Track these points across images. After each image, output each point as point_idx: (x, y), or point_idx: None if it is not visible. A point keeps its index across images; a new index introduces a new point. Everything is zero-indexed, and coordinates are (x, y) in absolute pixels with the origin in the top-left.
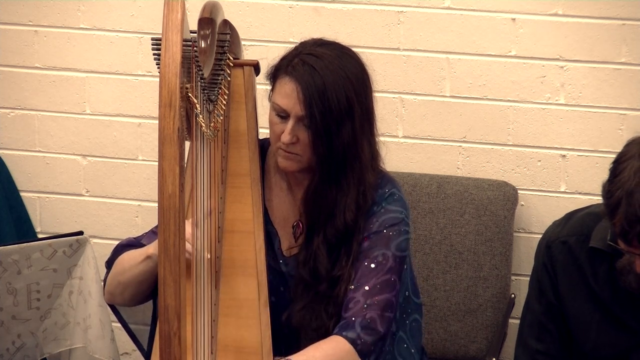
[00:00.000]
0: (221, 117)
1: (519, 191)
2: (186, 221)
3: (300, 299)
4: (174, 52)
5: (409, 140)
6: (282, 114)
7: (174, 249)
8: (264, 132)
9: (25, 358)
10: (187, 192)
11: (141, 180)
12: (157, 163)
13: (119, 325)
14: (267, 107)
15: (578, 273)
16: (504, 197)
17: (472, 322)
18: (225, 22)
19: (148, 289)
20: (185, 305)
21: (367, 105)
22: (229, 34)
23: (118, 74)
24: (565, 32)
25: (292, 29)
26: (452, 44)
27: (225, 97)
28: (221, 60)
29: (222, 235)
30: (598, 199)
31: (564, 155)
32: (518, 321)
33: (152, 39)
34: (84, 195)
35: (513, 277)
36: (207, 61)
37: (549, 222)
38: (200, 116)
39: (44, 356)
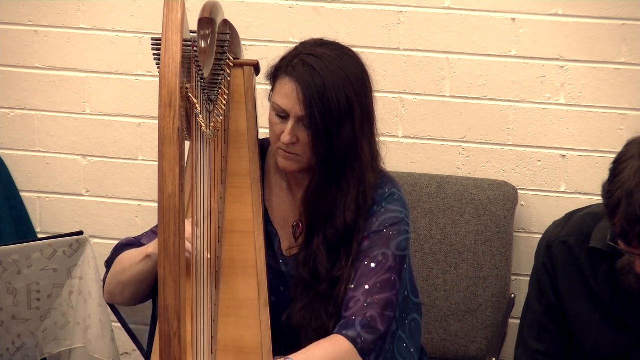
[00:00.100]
0: (221, 117)
1: (519, 191)
2: (186, 221)
3: (300, 299)
4: (174, 52)
5: (409, 140)
6: (282, 114)
7: (174, 249)
8: (264, 132)
9: (25, 358)
10: (187, 192)
11: (141, 180)
12: (157, 163)
13: (119, 325)
14: (267, 107)
15: (578, 273)
16: (504, 197)
17: (472, 322)
18: (225, 22)
19: (148, 289)
20: (185, 305)
21: (367, 106)
22: (229, 34)
23: (118, 74)
24: (565, 32)
25: (292, 29)
26: (452, 44)
27: (225, 97)
28: (221, 60)
29: (222, 235)
30: (598, 199)
31: (564, 155)
32: (518, 321)
33: (152, 39)
34: (84, 195)
35: (513, 277)
36: (207, 61)
37: (549, 222)
38: (200, 116)
39: (44, 356)
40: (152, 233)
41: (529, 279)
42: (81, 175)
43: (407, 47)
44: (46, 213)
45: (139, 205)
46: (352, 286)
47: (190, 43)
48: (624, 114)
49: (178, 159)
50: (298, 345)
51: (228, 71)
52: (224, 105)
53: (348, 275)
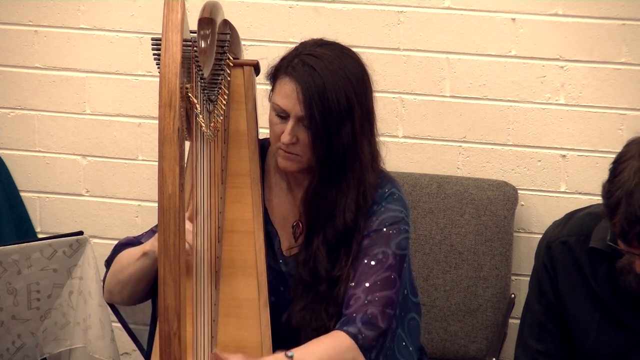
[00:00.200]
0: (221, 117)
1: (519, 191)
2: (186, 218)
3: (300, 299)
4: (174, 52)
5: (409, 140)
6: (282, 115)
7: (174, 249)
8: (264, 132)
9: (25, 358)
10: (187, 192)
11: (141, 180)
12: (157, 163)
13: (119, 325)
14: (267, 107)
15: (578, 273)
16: (504, 197)
17: (472, 322)
18: (225, 22)
19: (146, 287)
20: (185, 305)
21: (367, 106)
22: (229, 34)
23: (118, 74)
24: (565, 32)
25: (292, 29)
26: (452, 44)
27: (225, 97)
28: (221, 60)
29: (222, 235)
30: (598, 199)
31: (564, 155)
32: (518, 321)
33: (152, 39)
34: (84, 195)
35: (513, 277)
36: (207, 61)
37: (549, 222)
38: (200, 116)
39: (44, 356)
40: (152, 232)
41: (529, 279)
42: (81, 175)
43: (407, 47)
44: (46, 213)
45: (139, 205)
46: (353, 284)
47: (190, 43)
48: (624, 114)
49: (178, 159)
50: (298, 345)
51: (228, 71)
52: (224, 105)
53: (348, 276)
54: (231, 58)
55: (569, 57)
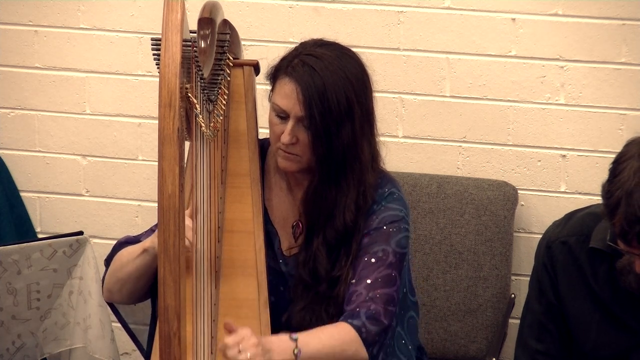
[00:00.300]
0: (221, 117)
1: (519, 191)
2: (185, 215)
3: (300, 299)
4: (173, 52)
5: (409, 140)
6: (281, 115)
7: (173, 249)
8: (264, 132)
9: (25, 358)
10: (187, 192)
11: (141, 180)
12: (157, 163)
13: (119, 325)
14: (267, 107)
15: (578, 273)
16: (504, 197)
17: (472, 322)
18: (225, 22)
19: (145, 285)
20: (185, 305)
21: (367, 106)
22: (228, 33)
23: (118, 74)
24: (565, 32)
25: (292, 29)
26: (452, 44)
27: (225, 97)
28: (221, 60)
29: (222, 235)
30: (598, 199)
31: (564, 155)
32: (518, 321)
33: (152, 39)
34: (84, 195)
35: (513, 277)
36: (207, 61)
37: (549, 222)
38: (200, 116)
39: (44, 356)
40: (151, 231)
41: (529, 279)
42: (81, 175)
43: (407, 47)
44: (46, 213)
45: (139, 205)
46: (354, 281)
47: (190, 43)
48: (624, 114)
49: (178, 159)
50: None
51: (228, 71)
52: (224, 105)
53: (347, 276)
54: (231, 58)
55: (569, 57)
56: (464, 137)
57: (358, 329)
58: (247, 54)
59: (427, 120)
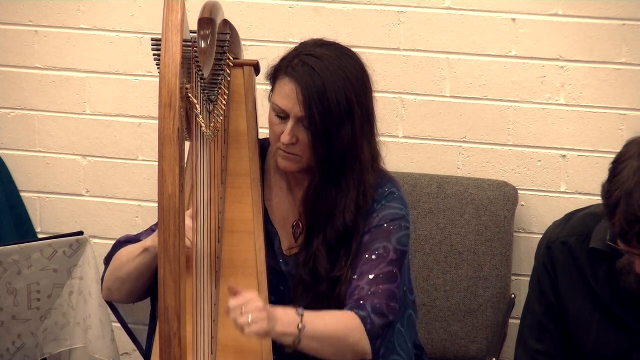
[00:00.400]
0: (221, 117)
1: (519, 191)
2: (186, 215)
3: (300, 299)
4: (173, 52)
5: (409, 140)
6: (281, 115)
7: (173, 249)
8: (264, 132)
9: (25, 358)
10: (187, 192)
11: (141, 180)
12: (157, 163)
13: (119, 325)
14: (267, 107)
15: (578, 273)
16: (504, 197)
17: (472, 322)
18: (225, 22)
19: (145, 284)
20: (185, 305)
21: (367, 106)
22: (228, 33)
23: (118, 74)
24: (565, 32)
25: (292, 29)
26: (452, 44)
27: (225, 97)
28: (221, 60)
29: (222, 235)
30: (598, 199)
31: (564, 155)
32: (518, 321)
33: (152, 39)
34: (84, 195)
35: (513, 277)
36: (207, 61)
37: (549, 222)
38: (200, 116)
39: (44, 356)
40: (151, 231)
41: (529, 279)
42: (81, 175)
43: (407, 47)
44: (46, 213)
45: (139, 205)
46: (355, 277)
47: (190, 43)
48: (624, 114)
49: (178, 159)
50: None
51: (228, 71)
52: (224, 105)
53: (348, 276)
54: (231, 58)
55: (569, 57)
56: (464, 137)
57: (363, 319)
58: (247, 54)
59: (427, 120)
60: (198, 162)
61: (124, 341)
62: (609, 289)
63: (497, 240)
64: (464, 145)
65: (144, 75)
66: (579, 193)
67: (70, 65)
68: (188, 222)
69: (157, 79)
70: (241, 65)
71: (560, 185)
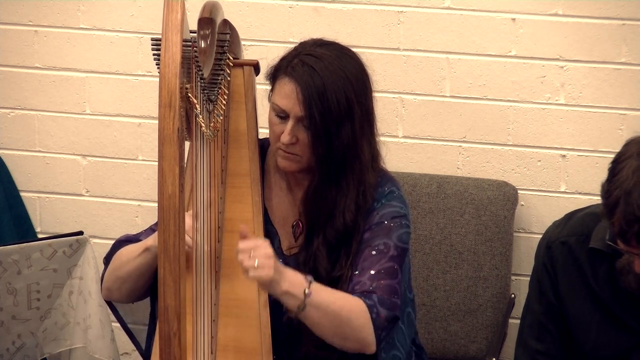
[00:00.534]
0: (221, 117)
1: (519, 191)
2: (186, 215)
3: None
4: (173, 52)
5: (409, 140)
6: (281, 115)
7: (173, 249)
8: (264, 132)
9: (25, 358)
10: (187, 192)
11: (141, 180)
12: (157, 163)
13: (119, 325)
14: (267, 107)
15: (578, 273)
16: (504, 197)
17: (472, 322)
18: (225, 22)
19: (145, 284)
20: (185, 305)
21: (367, 106)
22: (228, 33)
23: (118, 74)
24: (565, 32)
25: (292, 29)
26: (452, 44)
27: (225, 97)
28: (221, 60)
29: (222, 235)
30: (598, 199)
31: (564, 155)
32: (518, 321)
33: (152, 39)
34: (84, 195)
35: (513, 277)
36: (207, 61)
37: (549, 222)
38: (200, 116)
39: (44, 356)
40: (151, 230)
41: (529, 279)
42: (81, 175)
43: (407, 47)
44: (46, 213)
45: (139, 205)
46: (357, 272)
47: (190, 43)
48: (624, 114)
49: (178, 159)
50: (299, 345)
51: (228, 71)
52: (224, 105)
53: (348, 276)
54: (231, 58)
55: (569, 57)
56: (464, 137)
57: (370, 307)
58: (247, 54)
59: (427, 120)
60: (198, 162)
61: (124, 341)
62: (609, 289)
63: (497, 240)
64: (464, 145)
65: (144, 75)
66: (579, 193)
67: (70, 65)
68: (188, 221)
69: (157, 79)
70: (241, 65)
71: (560, 185)
